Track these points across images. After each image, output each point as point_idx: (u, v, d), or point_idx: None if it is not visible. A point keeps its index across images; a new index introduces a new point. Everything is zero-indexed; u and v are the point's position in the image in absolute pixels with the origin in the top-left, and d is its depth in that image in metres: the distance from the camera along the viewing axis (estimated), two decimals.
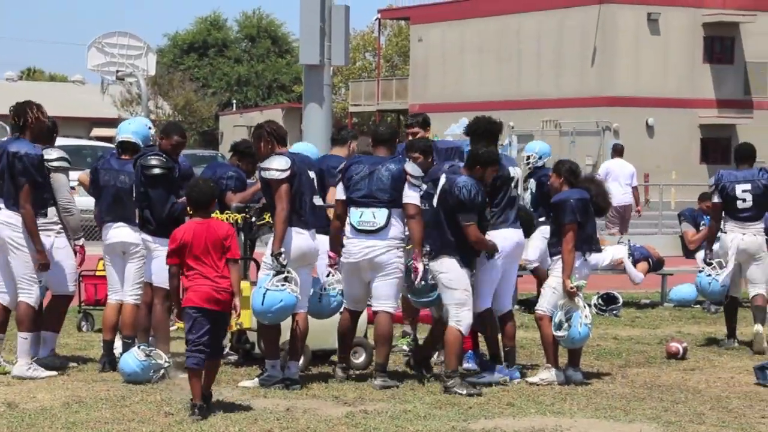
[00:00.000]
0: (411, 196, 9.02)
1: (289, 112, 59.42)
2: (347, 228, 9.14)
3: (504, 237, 9.23)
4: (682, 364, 10.26)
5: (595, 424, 7.77)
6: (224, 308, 7.81)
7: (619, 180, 18.66)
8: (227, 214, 9.91)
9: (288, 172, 8.69)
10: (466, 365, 9.63)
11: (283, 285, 8.57)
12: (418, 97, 55.13)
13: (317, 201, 9.01)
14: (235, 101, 71.02)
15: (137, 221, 9.32)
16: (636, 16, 48.19)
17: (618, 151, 19.61)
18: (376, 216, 9.04)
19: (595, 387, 9.11)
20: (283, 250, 8.63)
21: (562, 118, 49.03)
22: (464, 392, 8.65)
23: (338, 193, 9.18)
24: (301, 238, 8.81)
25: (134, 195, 9.29)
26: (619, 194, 18.10)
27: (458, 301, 8.87)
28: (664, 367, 10.05)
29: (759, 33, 49.55)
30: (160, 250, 9.12)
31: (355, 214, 9.08)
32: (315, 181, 9.00)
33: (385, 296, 9.12)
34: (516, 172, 9.53)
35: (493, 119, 9.44)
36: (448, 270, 8.89)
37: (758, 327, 11.26)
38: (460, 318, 8.86)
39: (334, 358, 9.81)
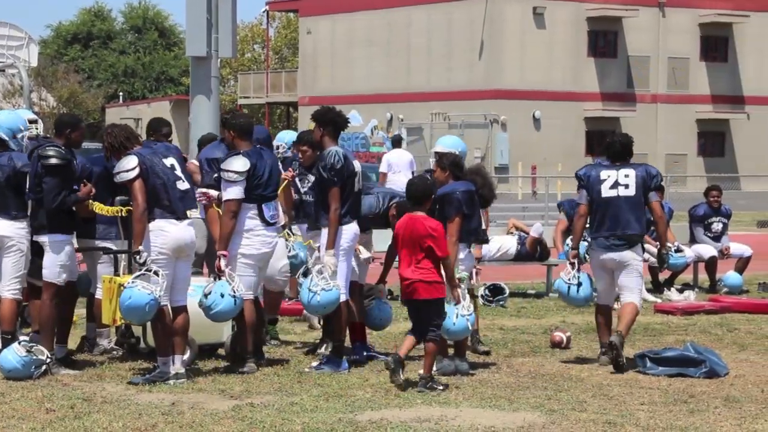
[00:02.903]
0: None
1: (177, 104, 58.81)
2: (255, 222, 9.24)
3: (353, 231, 9.35)
4: (566, 353, 10.43)
5: (479, 413, 7.85)
6: (415, 297, 8.57)
7: (402, 170, 19.98)
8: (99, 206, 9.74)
9: (137, 170, 8.73)
10: (356, 357, 9.68)
11: (133, 283, 8.53)
12: (307, 90, 55.05)
13: (182, 185, 8.93)
14: (122, 93, 70.06)
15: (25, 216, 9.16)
16: (522, 9, 48.78)
17: (397, 142, 21.40)
18: (277, 209, 9.45)
19: (480, 377, 9.20)
20: (141, 248, 8.60)
21: (451, 111, 49.42)
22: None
23: (238, 193, 9.15)
24: (175, 230, 8.78)
25: (28, 187, 9.10)
26: (402, 183, 19.25)
27: (641, 284, 9.93)
28: (548, 357, 10.19)
29: (641, 27, 50.60)
30: (48, 245, 8.97)
31: (267, 209, 9.32)
32: (179, 166, 8.97)
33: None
34: (358, 166, 9.52)
35: (340, 113, 9.58)
36: (640, 258, 9.78)
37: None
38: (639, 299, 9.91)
39: (221, 351, 9.78)
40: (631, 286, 9.75)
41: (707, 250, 15.48)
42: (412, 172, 20.27)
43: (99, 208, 9.32)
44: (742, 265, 15.67)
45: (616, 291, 9.89)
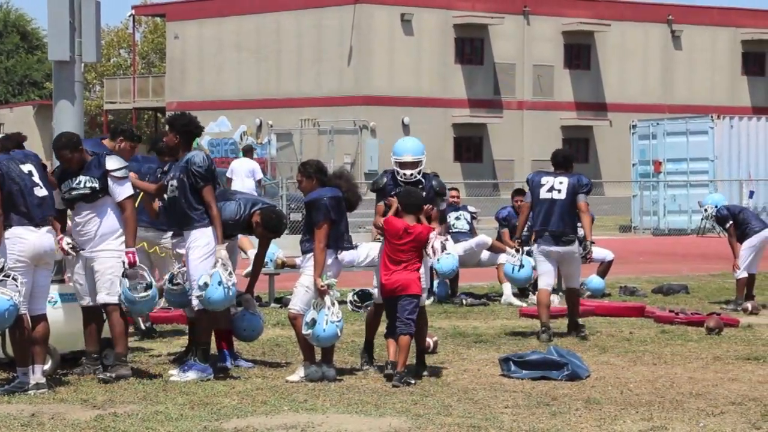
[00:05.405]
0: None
1: (41, 109, 57.63)
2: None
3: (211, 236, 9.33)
4: (433, 357, 10.50)
5: (346, 419, 7.87)
6: (409, 292, 9.33)
7: (241, 176, 21.57)
8: None
9: None
10: (222, 364, 9.62)
11: None
12: (175, 95, 54.48)
13: (40, 192, 8.77)
14: None
15: None
16: (390, 16, 49.11)
17: (248, 152, 23.15)
18: None
19: (348, 383, 9.22)
20: None
21: (321, 117, 49.46)
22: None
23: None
24: (33, 237, 8.63)
25: None
26: (242, 186, 20.34)
27: (580, 269, 12.09)
28: (415, 361, 10.24)
29: (506, 35, 51.39)
30: None
31: None
32: (37, 173, 8.80)
33: None
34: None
35: (194, 120, 9.65)
36: (578, 249, 11.78)
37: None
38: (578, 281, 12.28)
39: (84, 360, 9.62)
40: (573, 274, 12.02)
41: None
42: (258, 181, 21.92)
43: None
44: (604, 269, 16.00)
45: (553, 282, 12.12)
